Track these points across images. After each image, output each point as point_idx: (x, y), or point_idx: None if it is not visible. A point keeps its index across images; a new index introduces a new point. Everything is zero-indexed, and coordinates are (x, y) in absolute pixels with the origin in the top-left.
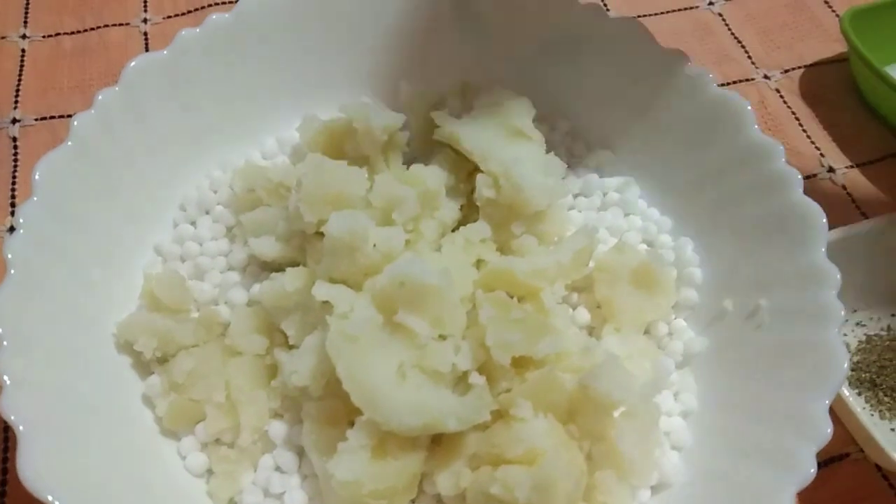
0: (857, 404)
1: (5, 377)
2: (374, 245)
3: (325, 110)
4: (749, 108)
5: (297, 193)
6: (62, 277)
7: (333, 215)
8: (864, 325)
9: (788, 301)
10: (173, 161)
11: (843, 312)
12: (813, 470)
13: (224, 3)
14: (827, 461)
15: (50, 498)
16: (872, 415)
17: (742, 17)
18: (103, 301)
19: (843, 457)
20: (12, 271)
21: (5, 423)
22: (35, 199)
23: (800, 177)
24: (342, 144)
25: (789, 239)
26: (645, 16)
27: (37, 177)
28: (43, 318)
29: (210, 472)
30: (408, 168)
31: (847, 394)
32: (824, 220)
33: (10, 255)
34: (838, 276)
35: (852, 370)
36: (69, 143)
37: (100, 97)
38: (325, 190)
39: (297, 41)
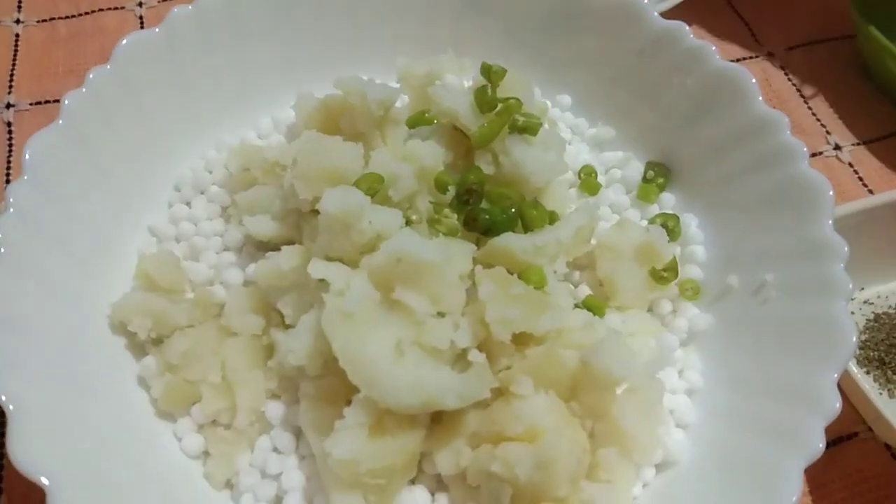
0: (866, 383)
1: None
2: (370, 222)
3: (321, 87)
4: (753, 80)
5: (293, 171)
6: (54, 257)
7: (328, 192)
8: (871, 304)
9: (795, 275)
10: (167, 141)
11: (850, 286)
12: (821, 444)
13: None
14: (835, 440)
15: (43, 479)
16: (881, 393)
17: None
18: (97, 281)
19: (851, 436)
20: (2, 250)
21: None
22: (25, 178)
23: (805, 149)
24: (338, 121)
25: (795, 212)
26: None
27: (27, 156)
28: (35, 299)
29: (206, 453)
30: (405, 144)
31: (856, 372)
32: (831, 192)
33: (1, 235)
34: (846, 249)
35: (860, 349)
36: (60, 121)
37: (91, 76)
38: (320, 166)
39: (291, 17)
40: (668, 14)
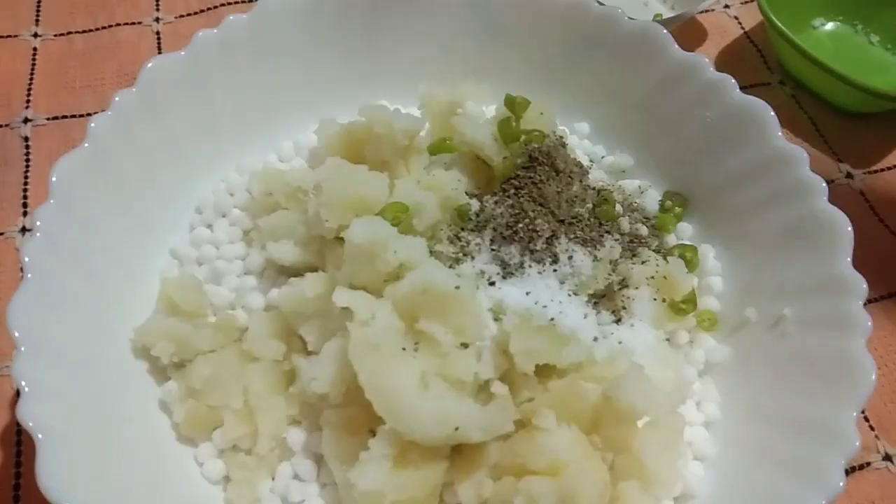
0: None
1: (23, 383)
2: (395, 252)
3: (343, 113)
4: (772, 114)
5: (317, 198)
6: (79, 281)
7: (355, 222)
8: None
9: (813, 310)
10: (190, 163)
11: (869, 323)
12: (842, 483)
13: (237, 2)
14: (849, 470)
15: None
16: None
17: (757, 20)
18: (120, 305)
19: (864, 466)
20: (29, 275)
21: (17, 427)
22: (52, 201)
23: (824, 184)
24: (361, 148)
25: (814, 247)
26: (658, 16)
27: (53, 179)
28: (59, 323)
29: (227, 479)
30: (428, 173)
31: None
32: (849, 229)
33: (27, 259)
34: (864, 286)
35: None
36: (86, 144)
37: (117, 98)
38: (346, 195)
39: (314, 43)
40: (683, 37)
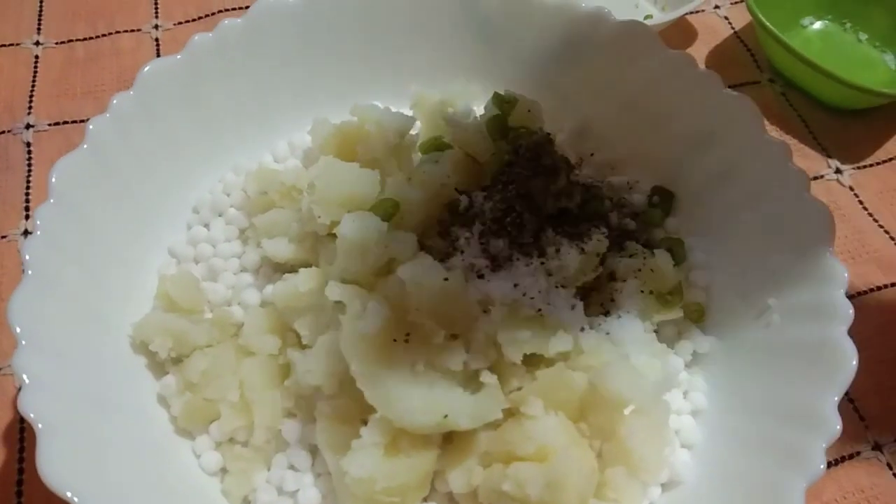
0: None
1: (24, 376)
2: (386, 246)
3: (336, 114)
4: (756, 108)
5: (310, 195)
6: (78, 278)
7: (346, 217)
8: None
9: (797, 300)
10: (186, 164)
11: (851, 311)
12: (822, 466)
13: (235, 9)
14: (838, 459)
15: (69, 494)
16: None
17: (747, 20)
18: (119, 302)
19: (853, 455)
20: (29, 272)
21: (21, 421)
22: (51, 201)
23: (807, 177)
24: (353, 147)
25: (797, 239)
26: (649, 17)
27: (53, 180)
28: (60, 319)
29: (224, 470)
30: (419, 170)
31: None
32: (832, 220)
33: (27, 257)
34: (846, 275)
35: None
36: (85, 146)
37: (115, 101)
38: (338, 192)
39: (307, 45)
40: (673, 38)
